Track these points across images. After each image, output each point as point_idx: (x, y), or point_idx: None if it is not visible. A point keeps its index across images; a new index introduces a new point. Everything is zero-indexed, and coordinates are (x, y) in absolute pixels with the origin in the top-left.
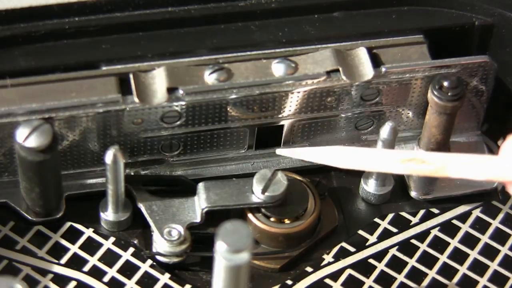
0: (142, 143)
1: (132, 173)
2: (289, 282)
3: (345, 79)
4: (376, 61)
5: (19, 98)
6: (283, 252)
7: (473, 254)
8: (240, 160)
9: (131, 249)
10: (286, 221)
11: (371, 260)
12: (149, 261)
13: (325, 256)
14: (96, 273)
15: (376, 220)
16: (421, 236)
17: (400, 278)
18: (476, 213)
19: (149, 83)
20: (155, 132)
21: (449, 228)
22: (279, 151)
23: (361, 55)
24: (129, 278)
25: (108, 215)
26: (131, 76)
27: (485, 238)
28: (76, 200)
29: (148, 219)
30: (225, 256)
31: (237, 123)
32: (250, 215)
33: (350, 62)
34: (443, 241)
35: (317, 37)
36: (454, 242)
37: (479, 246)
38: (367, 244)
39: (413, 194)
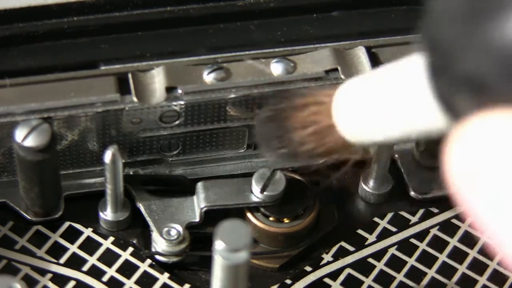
0: (141, 142)
1: (131, 173)
2: (288, 281)
3: (344, 78)
4: (375, 60)
5: (17, 98)
6: (282, 251)
7: (473, 253)
8: (239, 160)
9: (130, 249)
10: (285, 220)
11: (370, 260)
12: (148, 261)
13: (324, 256)
14: (95, 272)
15: (375, 219)
16: (421, 235)
17: (400, 277)
18: None
19: (147, 83)
20: (154, 131)
21: (448, 227)
22: None
23: (360, 54)
24: (128, 277)
25: (107, 214)
26: (130, 75)
27: (484, 237)
28: (75, 200)
29: (147, 218)
30: (224, 255)
31: (236, 123)
32: (249, 215)
33: (349, 61)
34: (443, 240)
35: (316, 36)
36: (453, 241)
37: (479, 245)
38: (366, 243)
39: (412, 193)
